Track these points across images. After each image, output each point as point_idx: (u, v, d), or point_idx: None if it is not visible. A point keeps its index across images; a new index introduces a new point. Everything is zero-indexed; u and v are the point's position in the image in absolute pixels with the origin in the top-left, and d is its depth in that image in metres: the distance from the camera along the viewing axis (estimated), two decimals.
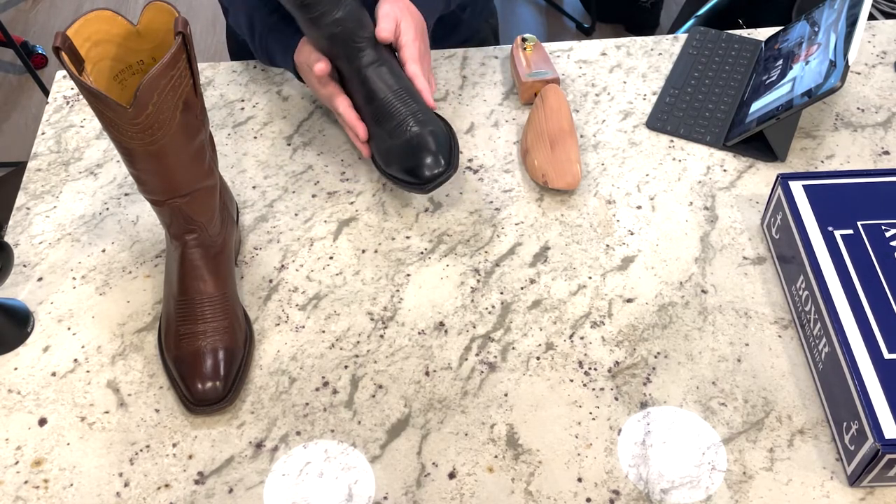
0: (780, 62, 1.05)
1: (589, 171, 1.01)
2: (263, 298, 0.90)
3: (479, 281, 0.90)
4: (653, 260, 0.92)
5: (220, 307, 0.83)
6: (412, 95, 0.91)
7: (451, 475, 0.76)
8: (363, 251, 0.94)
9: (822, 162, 1.00)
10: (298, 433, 0.80)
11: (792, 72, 1.00)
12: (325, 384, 0.83)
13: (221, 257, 0.86)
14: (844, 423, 0.74)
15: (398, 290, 0.90)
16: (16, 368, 0.85)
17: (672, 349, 0.84)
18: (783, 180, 0.88)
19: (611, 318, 0.87)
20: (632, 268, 0.91)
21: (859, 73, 1.10)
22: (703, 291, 0.88)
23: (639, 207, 0.96)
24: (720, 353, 0.83)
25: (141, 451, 0.79)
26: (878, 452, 0.69)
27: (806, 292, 0.81)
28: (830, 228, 0.83)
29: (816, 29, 1.02)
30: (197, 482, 0.77)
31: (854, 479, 0.73)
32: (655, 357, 0.83)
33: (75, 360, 0.86)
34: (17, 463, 0.78)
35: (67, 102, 1.13)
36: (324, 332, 0.87)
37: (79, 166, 1.05)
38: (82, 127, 1.09)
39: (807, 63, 0.98)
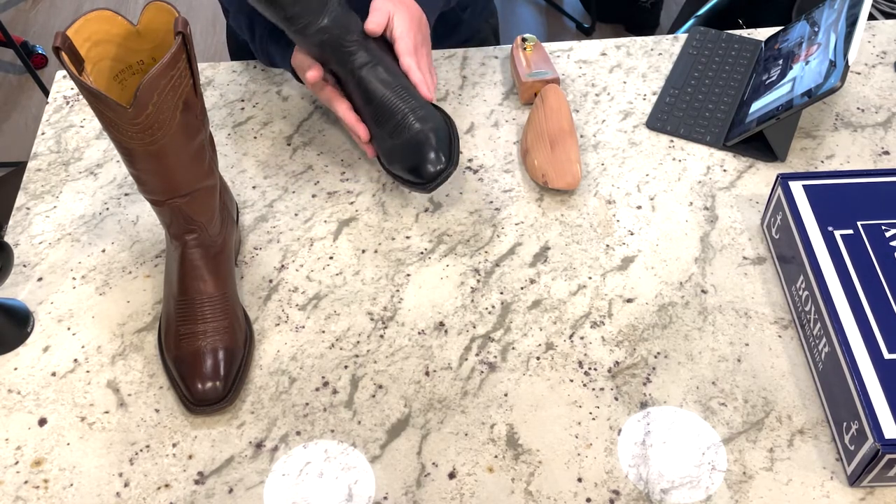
0: (780, 62, 1.05)
1: (589, 171, 1.01)
2: (263, 298, 0.90)
3: (479, 281, 0.90)
4: (653, 260, 0.92)
5: (220, 307, 0.83)
6: (409, 92, 0.90)
7: (451, 475, 0.76)
8: (363, 251, 0.94)
9: (822, 162, 1.00)
10: (298, 433, 0.80)
11: (792, 72, 1.00)
12: (325, 384, 0.83)
13: (221, 257, 0.86)
14: (844, 423, 0.74)
15: (398, 290, 0.90)
16: (16, 368, 0.85)
17: (672, 349, 0.84)
18: (783, 180, 0.88)
19: (611, 318, 0.87)
20: (632, 268, 0.91)
21: (859, 73, 1.10)
22: (703, 291, 0.88)
23: (639, 207, 0.96)
24: (720, 353, 0.83)
25: (141, 451, 0.79)
26: (878, 452, 0.69)
27: (806, 292, 0.81)
28: (830, 228, 0.83)
29: (816, 29, 1.03)
30: (197, 482, 0.77)
31: (854, 479, 0.73)
32: (655, 357, 0.83)
33: (75, 360, 0.86)
34: (17, 463, 0.79)
35: (67, 102, 1.13)
36: (324, 332, 0.87)
37: (79, 166, 1.05)
38: (82, 127, 1.09)
39: (807, 63, 0.98)
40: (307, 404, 0.82)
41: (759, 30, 1.17)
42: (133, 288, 0.92)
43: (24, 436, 0.80)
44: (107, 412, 0.82)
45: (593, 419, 0.79)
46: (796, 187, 0.87)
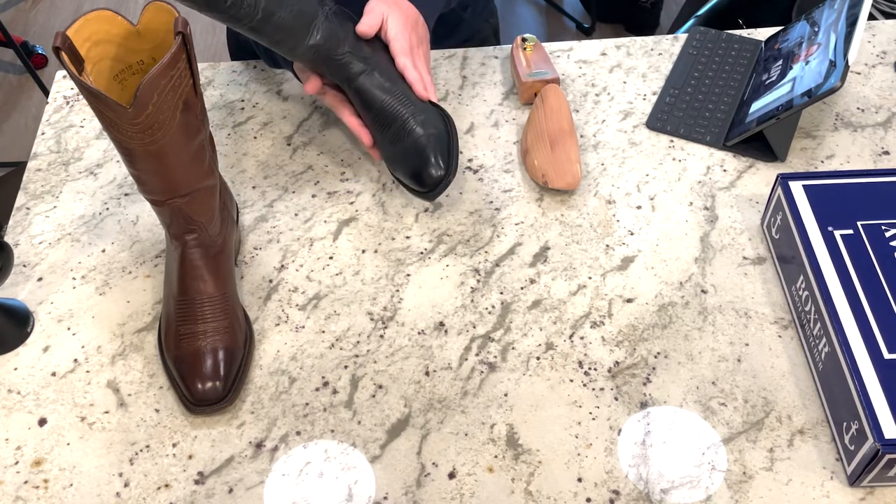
0: (780, 62, 1.05)
1: (589, 171, 1.01)
2: (263, 298, 0.90)
3: (479, 281, 0.90)
4: (653, 260, 0.92)
5: (220, 307, 0.83)
6: (409, 97, 0.90)
7: (451, 475, 0.76)
8: (363, 251, 0.94)
9: (822, 162, 1.00)
10: (298, 433, 0.80)
11: (792, 72, 1.00)
12: (325, 384, 0.83)
13: (221, 257, 0.86)
14: (844, 423, 0.74)
15: (398, 290, 0.90)
16: (16, 368, 0.85)
17: (672, 349, 0.84)
18: (783, 180, 0.88)
19: (611, 318, 0.87)
20: (632, 268, 0.91)
21: (859, 73, 1.10)
22: (703, 291, 0.88)
23: (639, 207, 0.96)
24: (720, 353, 0.83)
25: (141, 451, 0.79)
26: (878, 452, 0.69)
27: (806, 292, 0.81)
28: (830, 228, 0.83)
29: (816, 29, 1.03)
30: (197, 482, 0.77)
31: (854, 479, 0.73)
32: (655, 357, 0.83)
33: (75, 360, 0.86)
34: (17, 463, 0.78)
35: (67, 102, 1.13)
36: (324, 332, 0.87)
37: (79, 166, 1.05)
38: (82, 127, 1.09)
39: (807, 63, 0.98)
40: (307, 404, 0.82)
41: (759, 30, 1.17)
42: (133, 288, 0.92)
43: (24, 436, 0.80)
44: (107, 412, 0.82)
45: (593, 419, 0.79)
46: (796, 187, 0.87)
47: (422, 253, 0.93)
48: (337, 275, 0.92)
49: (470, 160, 1.03)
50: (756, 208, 0.96)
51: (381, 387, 0.83)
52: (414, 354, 0.85)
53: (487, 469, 0.77)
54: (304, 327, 0.87)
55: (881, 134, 1.02)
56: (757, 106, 1.01)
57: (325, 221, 0.97)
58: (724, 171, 1.00)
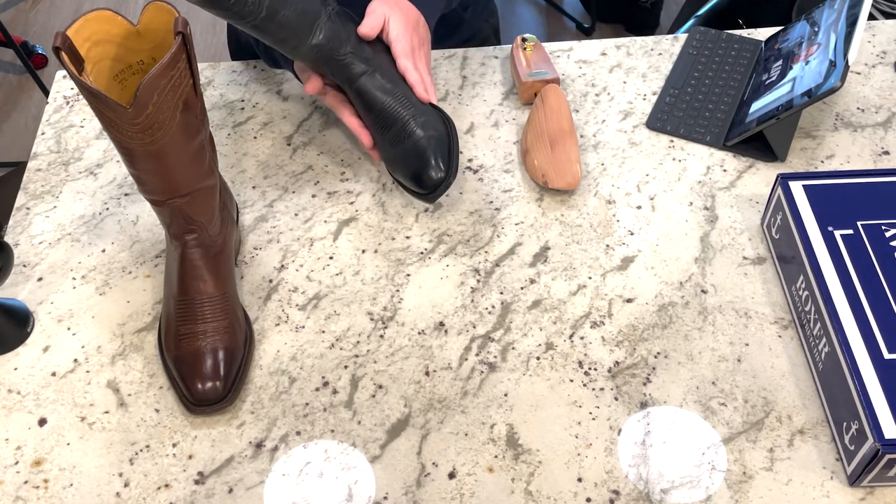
0: (780, 62, 1.05)
1: (589, 171, 1.01)
2: (263, 298, 0.90)
3: (479, 281, 0.90)
4: (653, 260, 0.92)
5: (220, 307, 0.83)
6: (410, 99, 0.90)
7: (451, 475, 0.76)
8: (363, 251, 0.94)
9: (822, 162, 1.00)
10: (298, 433, 0.80)
11: (792, 72, 1.00)
12: (325, 384, 0.83)
13: (221, 257, 0.86)
14: (844, 423, 0.74)
15: (398, 290, 0.90)
16: (16, 368, 0.85)
17: (672, 349, 0.84)
18: (783, 180, 0.88)
19: (611, 318, 0.87)
20: (632, 268, 0.91)
21: (859, 73, 1.10)
22: (703, 291, 0.88)
23: (639, 207, 0.96)
24: (720, 353, 0.83)
25: (141, 451, 0.79)
26: (878, 452, 0.69)
27: (806, 292, 0.81)
28: (830, 228, 0.83)
29: (816, 29, 1.03)
30: (197, 482, 0.77)
31: (854, 479, 0.73)
32: (655, 357, 0.83)
33: (75, 360, 0.86)
34: (17, 463, 0.78)
35: (67, 102, 1.13)
36: (324, 332, 0.87)
37: (79, 166, 1.05)
38: (82, 127, 1.09)
39: (807, 63, 0.98)
40: (307, 404, 0.82)
41: (759, 30, 1.17)
42: (133, 288, 0.92)
43: (24, 436, 0.80)
44: (107, 412, 0.82)
45: (593, 419, 0.79)
46: (796, 187, 0.87)
47: (422, 253, 0.93)
48: (337, 275, 0.92)
49: (470, 160, 1.03)
50: (756, 208, 0.96)
51: (381, 387, 0.83)
52: (414, 354, 0.85)
53: (487, 469, 0.77)
54: (304, 327, 0.87)
55: (881, 134, 1.02)
56: (757, 106, 1.01)
57: (325, 221, 0.97)
58: (724, 171, 1.00)
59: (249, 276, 0.92)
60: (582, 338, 0.85)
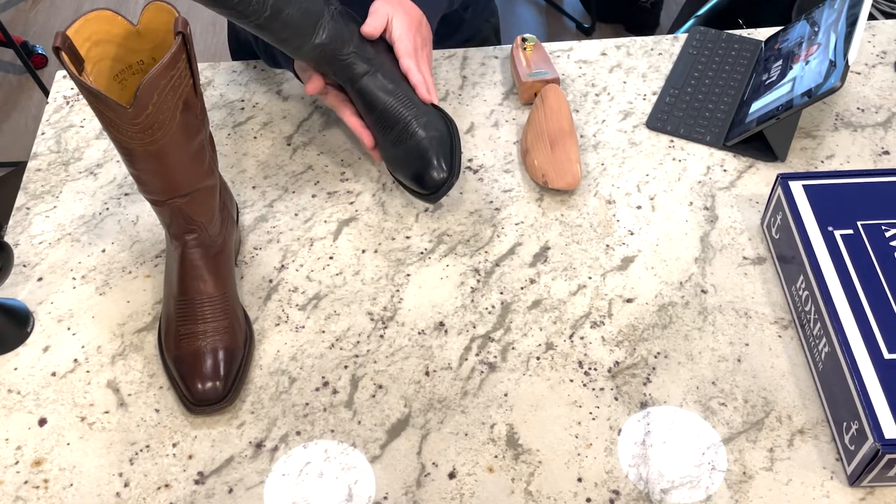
0: (780, 62, 1.05)
1: (589, 171, 1.01)
2: (263, 298, 0.90)
3: (479, 281, 0.90)
4: (653, 260, 0.92)
5: (220, 307, 0.83)
6: (411, 99, 0.90)
7: (451, 475, 0.76)
8: (363, 251, 0.94)
9: (822, 162, 1.00)
10: (298, 433, 0.80)
11: (792, 72, 1.00)
12: (325, 384, 0.83)
13: (221, 257, 0.86)
14: (844, 423, 0.74)
15: (398, 290, 0.90)
16: (16, 368, 0.85)
17: (672, 349, 0.84)
18: (783, 180, 0.88)
19: (611, 318, 0.87)
20: (632, 268, 0.91)
21: (859, 73, 1.10)
22: (703, 291, 0.88)
23: (639, 207, 0.96)
24: (720, 353, 0.83)
25: (141, 451, 0.79)
26: (878, 452, 0.69)
27: (806, 292, 0.81)
28: (830, 228, 0.83)
29: (816, 29, 1.03)
30: (197, 482, 0.77)
31: (854, 479, 0.73)
32: (655, 357, 0.83)
33: (75, 360, 0.86)
34: (17, 463, 0.79)
35: (67, 102, 1.13)
36: (324, 332, 0.87)
37: (79, 166, 1.05)
38: (82, 127, 1.09)
39: (807, 63, 0.98)
40: (307, 404, 0.82)
41: (759, 30, 1.17)
42: (133, 288, 0.92)
43: (24, 436, 0.80)
44: (107, 412, 0.82)
45: (593, 419, 0.79)
46: (796, 187, 0.87)
47: (422, 253, 0.93)
48: (337, 275, 0.92)
49: (470, 160, 1.03)
50: (756, 208, 0.96)
51: (381, 387, 0.83)
52: (414, 354, 0.85)
53: (487, 469, 0.77)
54: (304, 327, 0.87)
55: (881, 134, 1.02)
56: (757, 106, 1.01)
57: (325, 221, 0.97)
58: (724, 171, 1.00)
59: (249, 276, 0.92)
60: (582, 338, 0.85)
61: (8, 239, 0.97)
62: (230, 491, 0.76)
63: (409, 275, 0.91)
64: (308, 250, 0.94)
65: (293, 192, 1.00)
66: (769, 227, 0.91)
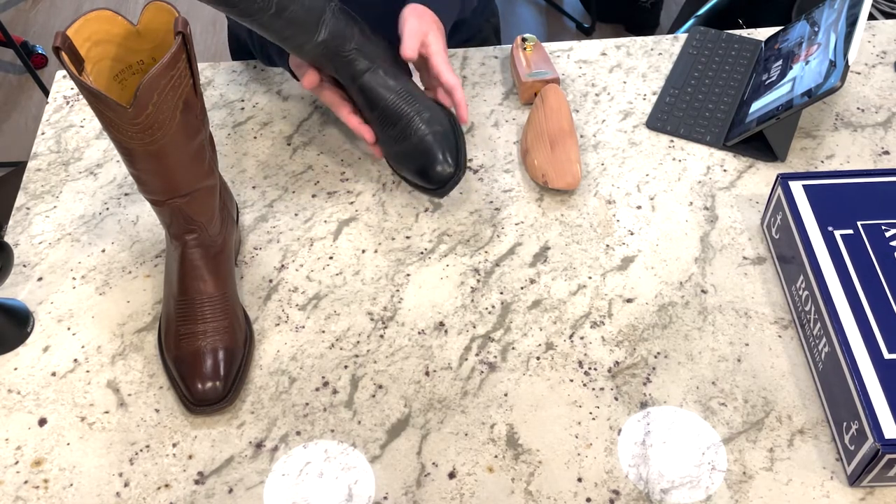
0: (780, 62, 1.05)
1: (589, 171, 1.01)
2: (263, 298, 0.90)
3: (479, 281, 0.90)
4: (653, 260, 0.92)
5: (220, 307, 0.83)
6: (412, 94, 0.90)
7: (451, 475, 0.76)
8: (363, 251, 0.94)
9: (822, 162, 1.00)
10: (298, 433, 0.80)
11: (792, 72, 1.00)
12: (325, 384, 0.83)
13: (221, 257, 0.86)
14: (844, 423, 0.74)
15: (398, 290, 0.90)
16: (16, 368, 0.85)
17: (672, 349, 0.84)
18: (783, 180, 0.88)
19: (611, 318, 0.87)
20: (632, 268, 0.91)
21: (859, 73, 1.10)
22: (703, 291, 0.88)
23: (639, 207, 0.96)
24: (720, 353, 0.83)
25: (141, 451, 0.79)
26: (878, 452, 0.69)
27: (806, 292, 0.81)
28: (830, 228, 0.83)
29: (816, 29, 1.03)
30: (197, 482, 0.77)
31: (854, 479, 0.73)
32: (655, 357, 0.83)
33: (75, 360, 0.86)
34: (17, 463, 0.79)
35: (67, 102, 1.13)
36: (324, 332, 0.87)
37: (79, 166, 1.05)
38: (82, 127, 1.09)
39: (807, 63, 0.98)
40: (307, 404, 0.82)
41: (759, 30, 1.17)
42: (133, 288, 0.92)
43: (24, 436, 0.80)
44: (107, 412, 0.82)
45: (593, 419, 0.79)
46: (796, 187, 0.87)
47: (422, 253, 0.93)
48: (337, 275, 0.92)
49: (470, 160, 1.03)
50: (756, 208, 0.96)
51: (381, 387, 0.83)
52: (414, 354, 0.85)
53: (487, 469, 0.77)
54: (304, 327, 0.87)
55: (881, 134, 1.02)
56: (757, 106, 1.01)
57: (325, 221, 0.97)
58: (724, 171, 1.00)
59: (249, 276, 0.92)
60: (582, 338, 0.85)
61: (8, 239, 0.97)
62: (230, 491, 0.76)
63: (409, 275, 0.91)
64: (308, 250, 0.94)
65: (293, 192, 1.00)
66: (769, 227, 0.91)
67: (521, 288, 0.90)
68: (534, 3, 2.77)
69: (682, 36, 1.17)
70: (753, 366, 0.82)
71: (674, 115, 1.05)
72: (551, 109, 1.00)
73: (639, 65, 1.13)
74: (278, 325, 0.88)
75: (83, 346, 0.87)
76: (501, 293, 0.89)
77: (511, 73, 1.13)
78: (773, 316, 0.86)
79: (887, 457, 0.69)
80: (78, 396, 0.83)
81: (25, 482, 0.77)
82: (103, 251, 0.95)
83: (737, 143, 1.01)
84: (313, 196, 1.00)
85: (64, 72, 1.18)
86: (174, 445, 0.79)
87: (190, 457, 0.78)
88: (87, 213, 0.99)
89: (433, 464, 0.77)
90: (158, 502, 0.75)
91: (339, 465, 0.77)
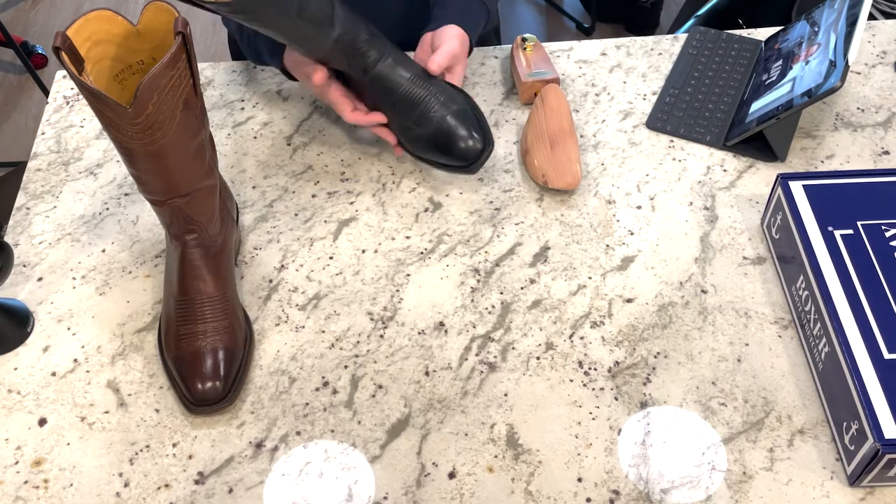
0: (780, 62, 1.05)
1: (589, 171, 1.01)
2: (263, 298, 0.90)
3: (479, 281, 0.90)
4: (653, 260, 0.92)
5: (220, 307, 0.83)
6: (424, 78, 0.92)
7: (451, 475, 0.76)
8: (363, 251, 0.94)
9: (822, 162, 1.00)
10: (298, 433, 0.80)
11: (792, 72, 1.00)
12: (325, 384, 0.83)
13: (221, 257, 0.86)
14: (844, 423, 0.74)
15: (398, 290, 0.90)
16: (16, 368, 0.85)
17: (672, 349, 0.84)
18: (783, 180, 0.88)
19: (611, 318, 0.87)
20: (632, 268, 0.91)
21: (859, 73, 1.10)
22: (703, 291, 0.88)
23: (639, 207, 0.96)
24: (720, 353, 0.83)
25: (141, 451, 0.79)
26: (878, 452, 0.69)
27: (806, 292, 0.81)
28: (830, 228, 0.83)
29: (816, 29, 1.03)
30: (197, 482, 0.77)
31: (854, 479, 0.73)
32: (655, 357, 0.83)
33: (75, 360, 0.86)
34: (17, 463, 0.78)
35: (67, 102, 1.13)
36: (324, 332, 0.87)
37: (79, 166, 1.05)
38: (82, 127, 1.09)
39: (807, 63, 0.98)
40: (307, 404, 0.82)
41: (759, 30, 1.17)
42: (133, 288, 0.92)
43: (24, 436, 0.80)
44: (107, 412, 0.82)
45: (593, 419, 0.79)
46: (796, 187, 0.87)
47: (422, 253, 0.93)
48: (337, 275, 0.92)
49: None
50: (756, 208, 0.96)
51: (381, 387, 0.83)
52: (414, 354, 0.85)
53: (487, 469, 0.77)
54: (304, 327, 0.87)
55: (881, 134, 1.02)
56: (757, 106, 1.01)
57: (325, 221, 0.97)
58: (724, 171, 1.00)
59: (249, 276, 0.92)
60: (582, 338, 0.85)
61: (8, 239, 0.97)
62: (230, 491, 0.76)
63: (409, 275, 0.91)
64: (308, 250, 0.94)
65: (293, 192, 1.00)
66: (769, 227, 0.91)
67: (521, 288, 0.90)
68: (534, 3, 2.77)
69: (682, 36, 1.17)
70: (753, 366, 0.82)
71: (674, 115, 1.05)
72: (551, 109, 1.00)
73: (639, 65, 1.13)
74: (278, 325, 0.88)
75: (83, 346, 0.87)
76: (501, 293, 0.89)
77: (511, 73, 1.13)
78: (773, 316, 0.86)
79: (887, 457, 0.69)
80: (78, 396, 0.83)
81: (25, 482, 0.77)
82: (103, 251, 0.95)
83: (737, 143, 1.01)
84: (313, 196, 1.00)
85: (64, 72, 1.18)
86: (174, 445, 0.79)
87: (190, 457, 0.78)
88: (87, 213, 0.99)
89: (433, 464, 0.77)
90: (158, 502, 0.75)
91: (339, 465, 0.77)
